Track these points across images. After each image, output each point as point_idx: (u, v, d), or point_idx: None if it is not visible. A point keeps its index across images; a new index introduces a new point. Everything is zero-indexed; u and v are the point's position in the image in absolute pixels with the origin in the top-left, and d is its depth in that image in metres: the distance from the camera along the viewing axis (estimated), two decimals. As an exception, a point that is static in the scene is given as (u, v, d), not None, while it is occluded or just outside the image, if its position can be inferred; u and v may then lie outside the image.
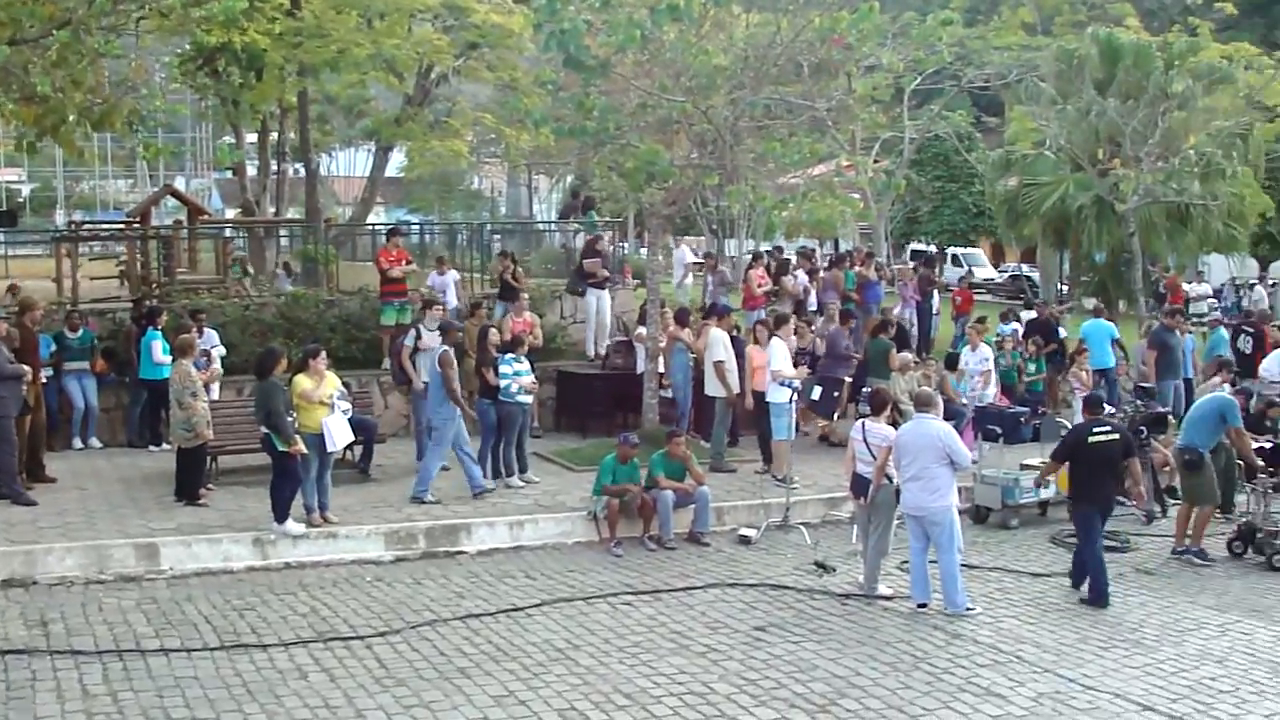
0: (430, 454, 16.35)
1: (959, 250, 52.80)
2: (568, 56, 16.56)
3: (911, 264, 35.32)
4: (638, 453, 15.58)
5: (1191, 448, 15.51)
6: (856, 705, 10.08)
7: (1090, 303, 28.72)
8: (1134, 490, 17.12)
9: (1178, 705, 10.30)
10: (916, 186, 40.95)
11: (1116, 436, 13.82)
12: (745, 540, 15.38)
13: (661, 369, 19.31)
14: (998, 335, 23.08)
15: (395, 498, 16.01)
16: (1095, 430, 13.73)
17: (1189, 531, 15.38)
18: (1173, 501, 17.61)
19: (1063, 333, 23.61)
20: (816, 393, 17.37)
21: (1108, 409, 18.96)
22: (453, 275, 20.60)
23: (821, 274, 26.16)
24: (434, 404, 16.30)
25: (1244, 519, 15.74)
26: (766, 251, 29.27)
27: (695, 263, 33.91)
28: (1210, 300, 44.15)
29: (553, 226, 31.09)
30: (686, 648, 11.41)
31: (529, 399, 17.29)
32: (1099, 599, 13.16)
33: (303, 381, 14.60)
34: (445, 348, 16.35)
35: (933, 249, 55.57)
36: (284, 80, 25.37)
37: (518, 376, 16.69)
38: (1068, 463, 13.87)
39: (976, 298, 31.40)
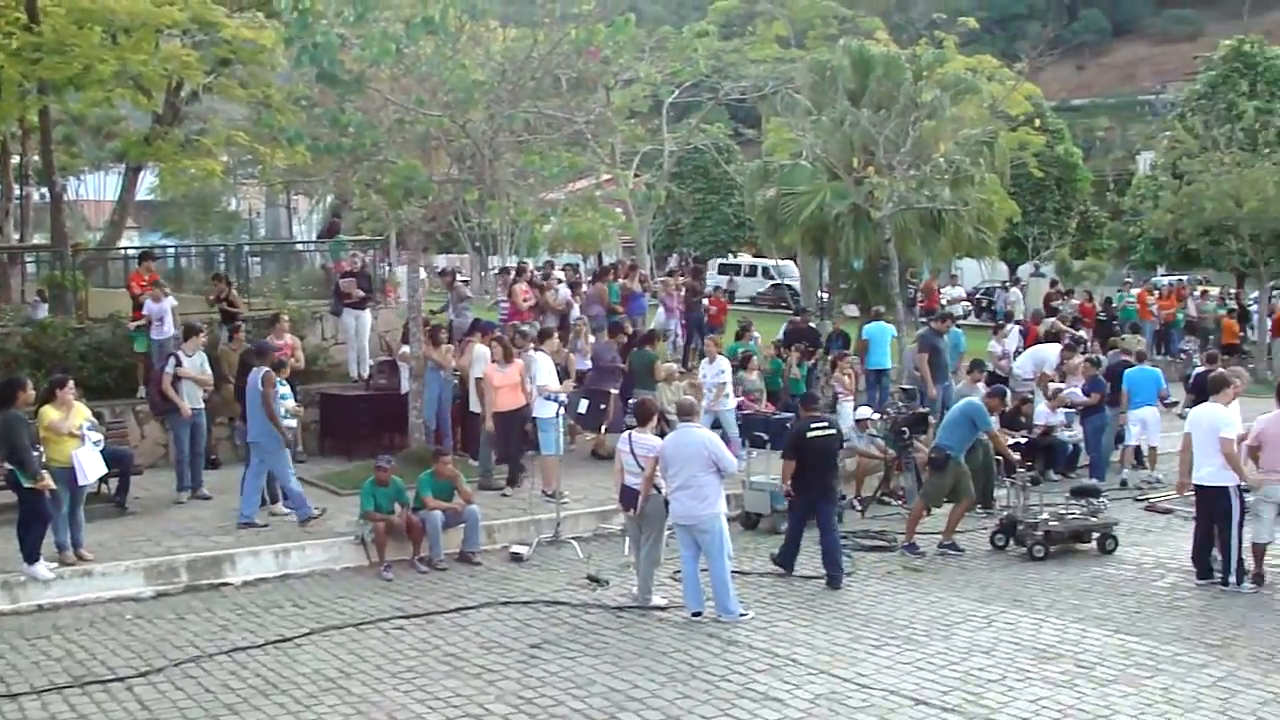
0: (252, 475, 15.93)
1: (769, 262, 52.77)
2: (321, 72, 16.14)
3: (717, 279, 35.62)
4: (398, 472, 15.30)
5: (941, 447, 16.00)
6: (635, 718, 10.00)
7: (851, 309, 29.37)
8: (896, 489, 17.63)
9: (949, 697, 10.48)
10: (677, 199, 41.37)
11: (833, 432, 14.74)
12: (517, 558, 15.20)
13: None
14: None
15: (154, 531, 15.37)
16: (813, 426, 14.45)
17: (948, 527, 16.03)
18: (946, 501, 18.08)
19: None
20: (583, 406, 17.29)
21: (867, 410, 19.45)
22: (170, 302, 19.90)
23: (585, 288, 26.16)
24: (258, 426, 15.84)
25: (1005, 512, 16.20)
26: (536, 266, 29.13)
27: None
28: (964, 303, 45.67)
29: (311, 247, 30.48)
30: (461, 669, 11.19)
31: (294, 423, 16.83)
32: (787, 563, 14.59)
33: (49, 413, 13.91)
34: (265, 369, 15.95)
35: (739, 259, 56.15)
36: (23, 99, 24.26)
37: (283, 400, 16.22)
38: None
39: (741, 308, 31.82)
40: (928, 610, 13.13)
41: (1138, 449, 20.49)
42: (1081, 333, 27.25)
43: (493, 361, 17.87)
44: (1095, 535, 15.91)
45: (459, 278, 26.24)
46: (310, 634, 12.25)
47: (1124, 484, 19.73)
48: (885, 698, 10.45)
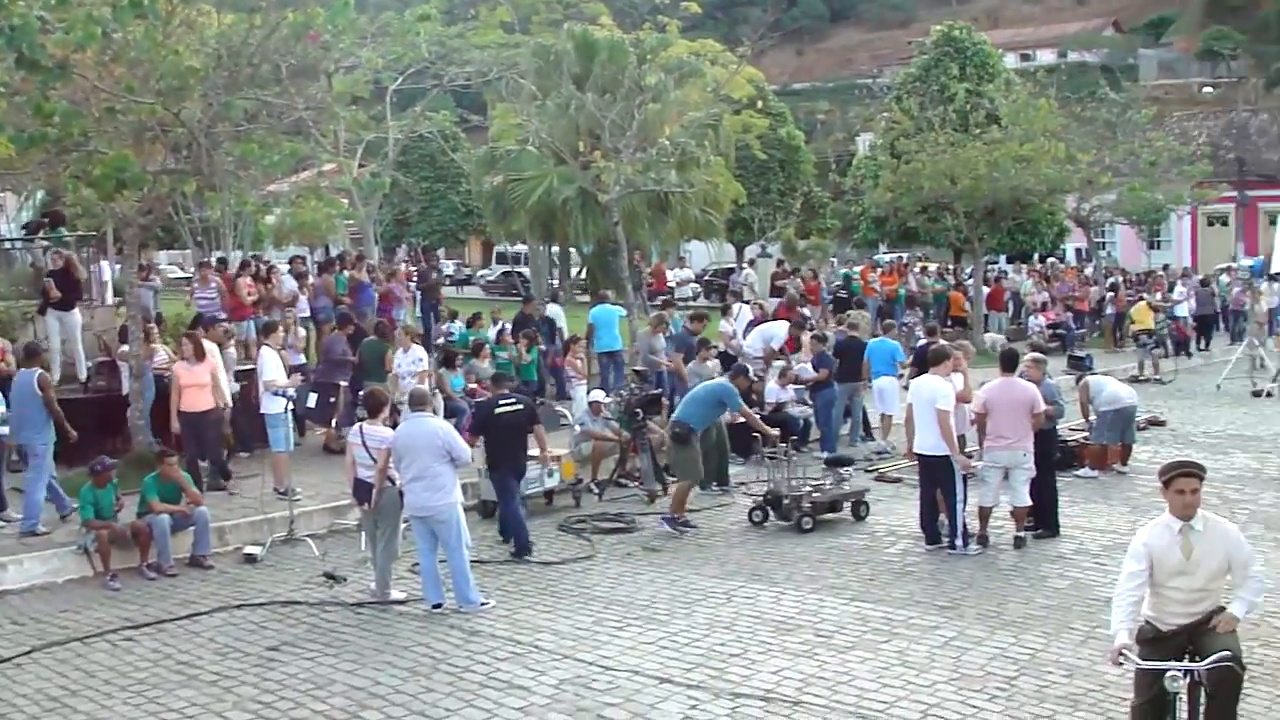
0: (33, 483, 15.17)
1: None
2: (20, 56, 15.24)
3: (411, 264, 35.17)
4: (118, 474, 14.69)
5: (682, 422, 16.11)
6: (379, 715, 9.77)
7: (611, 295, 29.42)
8: (633, 470, 17.72)
9: (693, 674, 10.53)
10: (404, 188, 40.83)
11: (520, 407, 15.19)
12: (251, 559, 14.70)
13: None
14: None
15: None
16: (501, 403, 15.05)
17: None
18: (671, 479, 18.24)
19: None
20: (312, 400, 16.87)
21: (600, 393, 19.46)
22: None
23: (312, 280, 25.57)
24: (35, 428, 15.18)
25: (768, 487, 16.40)
26: (254, 258, 28.27)
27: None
28: (693, 285, 46.27)
29: (18, 245, 29.00)
30: (196, 678, 10.75)
31: (5, 429, 15.96)
32: (523, 550, 14.63)
33: None
34: (39, 370, 15.30)
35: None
36: None
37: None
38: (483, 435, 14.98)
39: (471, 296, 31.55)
40: (668, 589, 13.18)
41: (881, 418, 21.17)
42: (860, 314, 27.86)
43: (182, 359, 17.22)
44: (849, 503, 16.34)
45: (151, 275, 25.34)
46: (30, 652, 11.58)
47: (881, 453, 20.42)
48: (630, 679, 10.45)
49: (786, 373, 21.18)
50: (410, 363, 19.43)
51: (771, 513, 16.10)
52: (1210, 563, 7.75)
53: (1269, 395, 26.83)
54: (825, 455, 18.53)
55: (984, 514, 14.64)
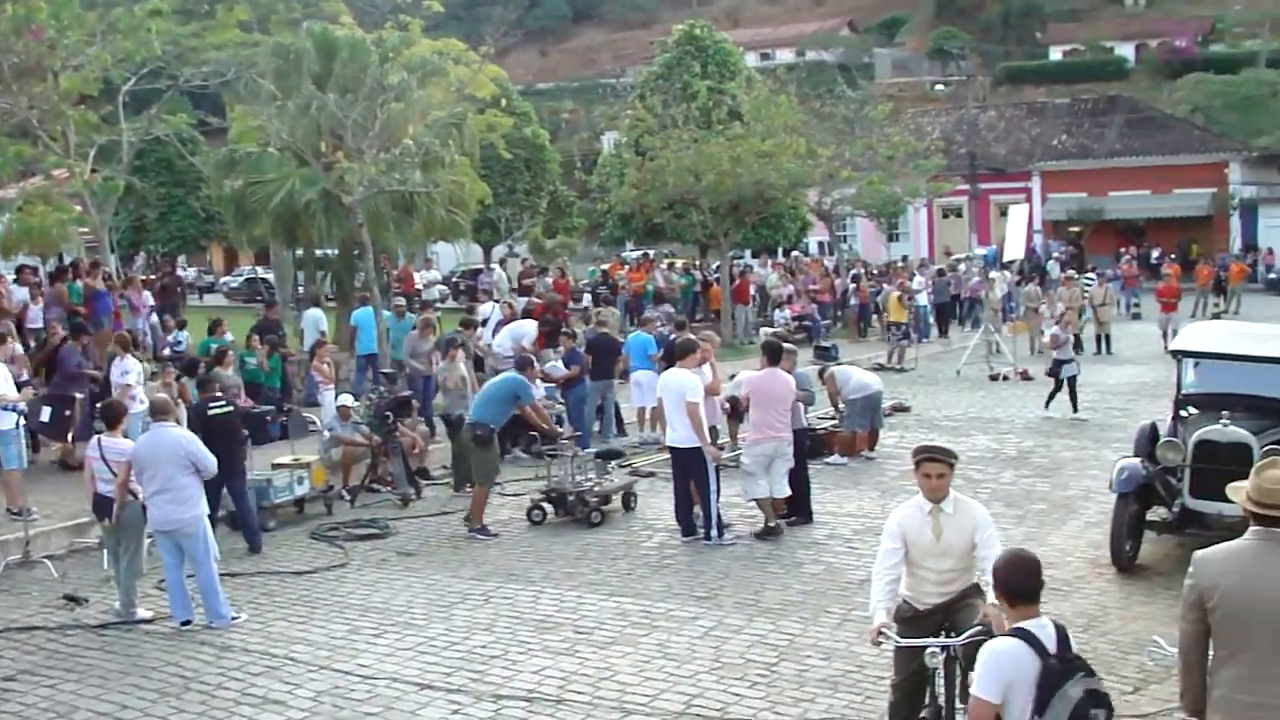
0: None
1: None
2: None
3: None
4: None
5: (483, 423, 15.88)
6: (123, 739, 9.36)
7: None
8: (385, 475, 17.44)
9: (454, 678, 10.39)
10: (140, 193, 39.49)
11: (230, 409, 15.49)
12: (-18, 583, 13.98)
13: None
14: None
15: None
16: (212, 405, 15.21)
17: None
18: (425, 483, 18.03)
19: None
20: (46, 414, 16.13)
21: (349, 398, 19.02)
22: None
23: (44, 288, 24.49)
24: None
25: (551, 484, 16.29)
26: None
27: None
28: (440, 286, 45.91)
29: None
30: (-79, 712, 10.15)
31: None
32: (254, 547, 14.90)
33: None
34: None
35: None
36: None
37: None
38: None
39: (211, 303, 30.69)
40: (425, 593, 12.98)
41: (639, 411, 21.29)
42: (609, 310, 27.91)
43: None
44: (620, 495, 16.46)
45: None
46: None
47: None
48: (389, 686, 10.26)
49: (528, 369, 21.12)
50: (119, 374, 18.51)
51: (551, 510, 16.05)
52: (961, 543, 7.93)
53: (1005, 379, 27.90)
54: (595, 449, 18.47)
55: (766, 505, 14.78)
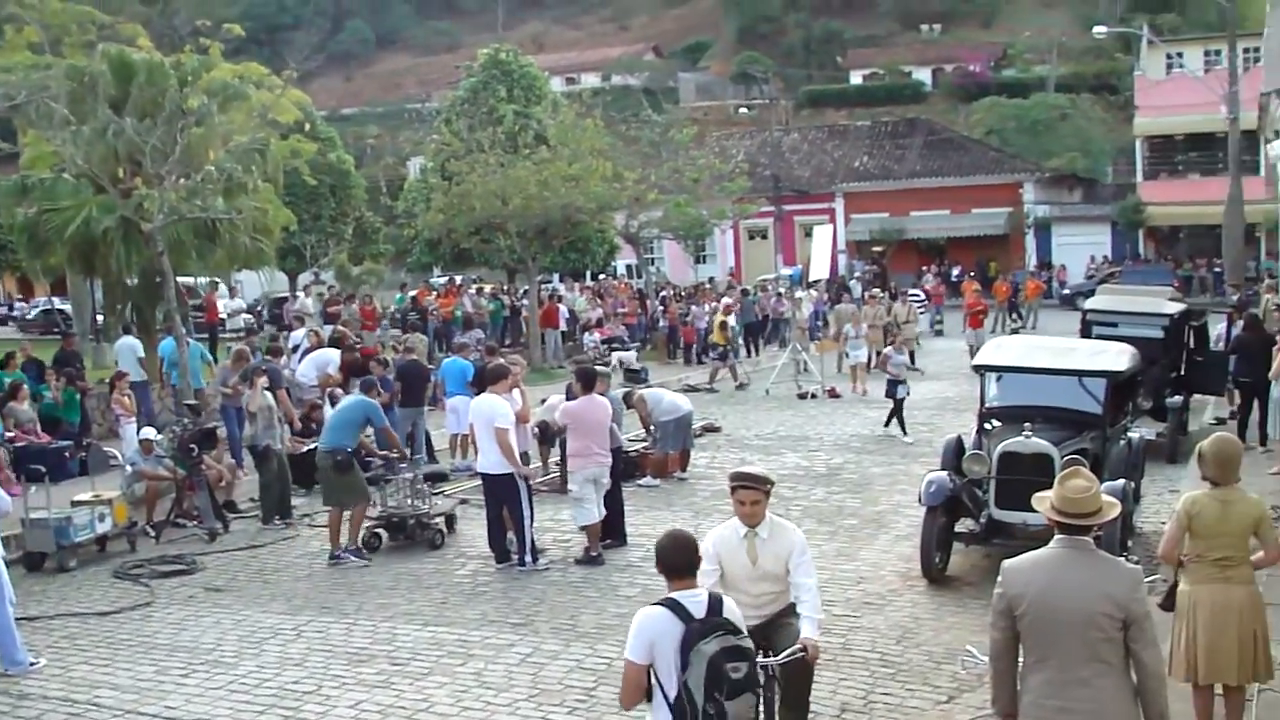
0: None
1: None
2: None
3: None
4: None
5: (339, 448, 15.55)
6: (-87, 796, 8.90)
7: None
8: (191, 509, 16.97)
9: (266, 716, 10.15)
10: (-75, 222, 37.94)
11: None
12: None
13: None
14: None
15: None
16: None
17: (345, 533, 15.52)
18: (233, 516, 17.59)
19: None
20: None
21: (151, 431, 18.46)
22: None
23: None
24: None
25: (388, 510, 16.09)
26: None
27: None
28: (246, 316, 44.97)
29: None
30: None
31: None
32: None
33: None
34: None
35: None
36: None
37: None
38: None
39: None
40: (235, 630, 12.63)
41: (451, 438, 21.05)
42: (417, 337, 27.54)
43: None
44: (444, 516, 16.38)
45: None
46: None
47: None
48: (198, 728, 9.95)
49: (372, 390, 20.80)
50: None
51: (387, 536, 15.89)
52: (776, 568, 7.97)
53: (814, 397, 28.28)
54: (421, 471, 18.19)
55: (594, 531, 14.72)
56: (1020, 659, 6.49)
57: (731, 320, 35.94)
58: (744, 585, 8.01)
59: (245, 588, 14.38)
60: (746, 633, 6.74)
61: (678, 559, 6.76)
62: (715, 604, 6.64)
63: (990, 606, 6.55)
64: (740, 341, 37.38)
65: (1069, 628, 6.27)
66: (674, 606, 6.56)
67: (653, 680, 6.52)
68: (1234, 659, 8.27)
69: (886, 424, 23.23)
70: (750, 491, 7.95)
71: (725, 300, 36.53)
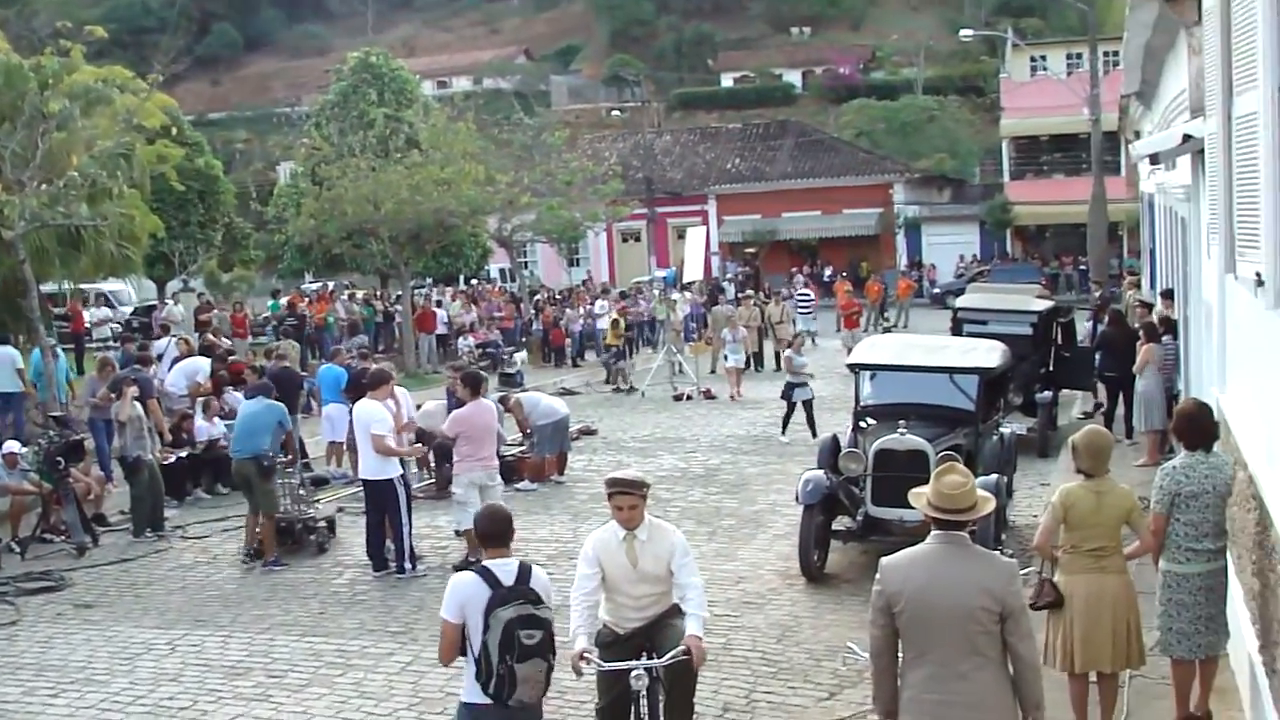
0: None
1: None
2: None
3: None
4: None
5: (264, 454, 15.44)
6: None
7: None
8: (58, 524, 16.57)
9: (139, 735, 9.91)
10: None
11: None
12: None
13: None
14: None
15: None
16: None
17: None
18: (102, 529, 17.20)
19: None
20: None
21: (15, 444, 17.95)
22: None
23: None
24: None
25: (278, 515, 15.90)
26: None
27: None
28: (114, 324, 44.09)
29: None
30: None
31: None
32: None
33: None
34: None
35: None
36: None
37: None
38: None
39: None
40: (106, 647, 12.36)
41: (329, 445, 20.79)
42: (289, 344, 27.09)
43: None
44: (326, 521, 16.43)
45: None
46: None
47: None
48: (68, 749, 9.70)
49: (211, 405, 20.49)
50: None
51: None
52: (657, 570, 7.96)
53: (689, 399, 28.38)
54: (306, 476, 17.98)
55: (471, 535, 14.53)
56: (900, 655, 6.54)
57: (604, 323, 36.03)
58: (625, 588, 8.00)
59: (116, 603, 14.06)
60: (549, 604, 7.23)
61: (491, 529, 7.47)
62: (524, 573, 7.23)
63: (869, 604, 6.59)
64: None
65: (948, 622, 6.33)
66: (484, 573, 7.19)
67: (466, 638, 7.13)
68: (1108, 647, 8.44)
69: (783, 430, 22.81)
70: (627, 497, 7.93)
71: (617, 300, 36.59)
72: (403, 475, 14.61)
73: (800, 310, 38.41)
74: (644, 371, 32.36)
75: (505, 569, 7.21)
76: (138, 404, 17.72)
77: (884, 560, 6.62)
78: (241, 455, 15.73)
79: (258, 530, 15.59)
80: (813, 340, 35.40)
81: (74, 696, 10.93)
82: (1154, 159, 16.02)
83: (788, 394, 22.95)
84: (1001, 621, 6.37)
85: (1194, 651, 8.71)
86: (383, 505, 14.36)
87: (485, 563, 7.29)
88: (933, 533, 6.58)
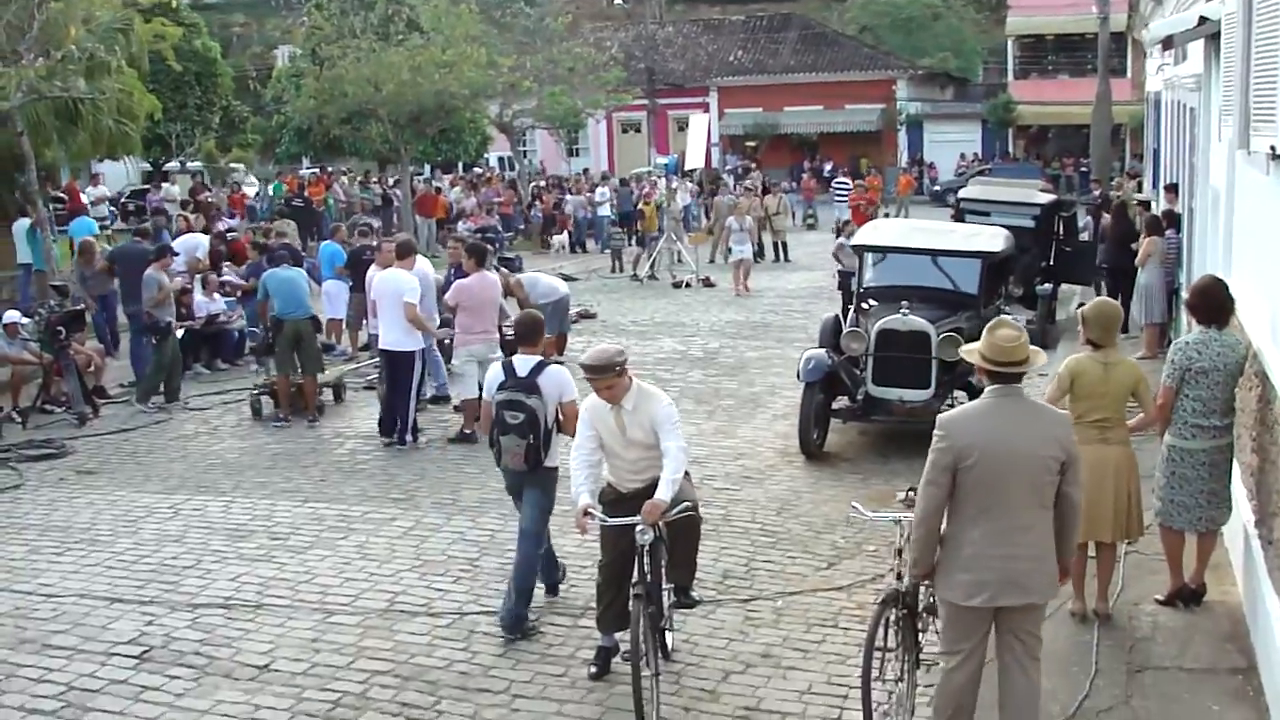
0: None
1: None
2: None
3: None
4: None
5: (313, 315, 16.53)
6: None
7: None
8: (59, 394, 16.60)
9: (146, 590, 10.03)
10: None
11: None
12: None
13: None
14: None
15: None
16: None
17: None
18: (102, 401, 17.23)
19: None
20: None
21: (15, 314, 17.93)
22: None
23: None
24: None
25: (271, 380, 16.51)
26: None
27: None
28: (108, 204, 43.86)
29: None
30: None
31: None
32: None
33: None
34: None
35: None
36: None
37: None
38: None
39: None
40: (109, 510, 12.42)
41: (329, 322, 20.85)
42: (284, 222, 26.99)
43: None
44: (332, 388, 17.14)
45: None
46: None
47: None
48: (77, 602, 9.81)
49: (210, 281, 20.44)
50: None
51: (272, 404, 16.35)
52: (645, 436, 8.00)
53: (688, 286, 28.35)
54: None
55: (470, 408, 14.55)
56: (950, 516, 6.54)
57: (605, 211, 35.88)
58: (619, 451, 8.11)
59: (118, 470, 14.12)
60: (554, 395, 8.92)
61: (521, 330, 9.43)
62: (537, 368, 8.95)
63: (929, 464, 6.50)
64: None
65: (1020, 474, 6.38)
66: (506, 365, 9.05)
67: None
68: (1109, 517, 8.51)
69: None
70: (599, 379, 7.93)
71: (649, 188, 36.44)
72: (423, 350, 14.58)
73: (837, 199, 38.73)
74: (641, 258, 32.25)
75: (524, 363, 8.97)
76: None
77: (944, 417, 6.61)
78: (296, 316, 16.06)
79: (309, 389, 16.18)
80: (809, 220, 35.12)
81: (79, 555, 11.01)
82: (1167, 43, 15.87)
83: (844, 283, 22.56)
84: (1063, 471, 6.45)
85: (1194, 525, 8.79)
86: (401, 375, 14.36)
87: (511, 358, 9.11)
88: (990, 388, 6.59)
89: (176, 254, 19.26)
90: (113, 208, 45.36)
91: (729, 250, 28.97)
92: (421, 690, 8.19)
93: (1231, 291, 9.02)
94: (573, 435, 8.48)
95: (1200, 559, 8.98)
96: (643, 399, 8.05)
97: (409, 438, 14.36)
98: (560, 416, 8.93)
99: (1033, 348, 6.65)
